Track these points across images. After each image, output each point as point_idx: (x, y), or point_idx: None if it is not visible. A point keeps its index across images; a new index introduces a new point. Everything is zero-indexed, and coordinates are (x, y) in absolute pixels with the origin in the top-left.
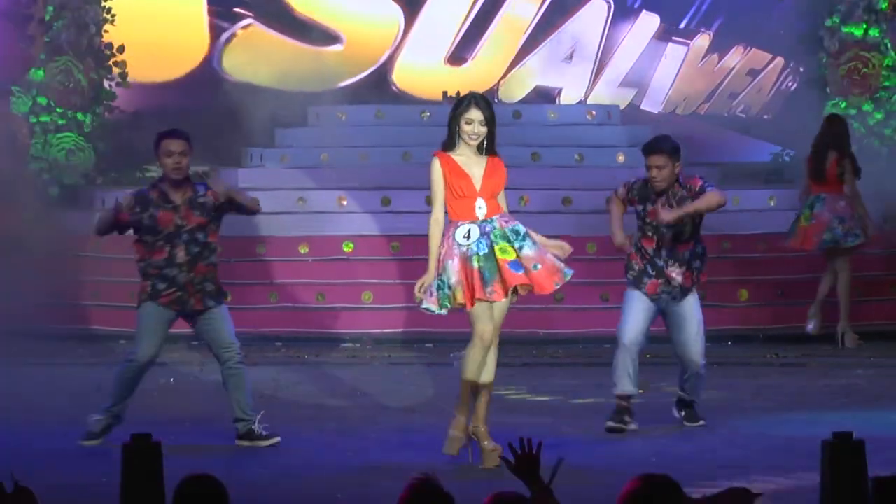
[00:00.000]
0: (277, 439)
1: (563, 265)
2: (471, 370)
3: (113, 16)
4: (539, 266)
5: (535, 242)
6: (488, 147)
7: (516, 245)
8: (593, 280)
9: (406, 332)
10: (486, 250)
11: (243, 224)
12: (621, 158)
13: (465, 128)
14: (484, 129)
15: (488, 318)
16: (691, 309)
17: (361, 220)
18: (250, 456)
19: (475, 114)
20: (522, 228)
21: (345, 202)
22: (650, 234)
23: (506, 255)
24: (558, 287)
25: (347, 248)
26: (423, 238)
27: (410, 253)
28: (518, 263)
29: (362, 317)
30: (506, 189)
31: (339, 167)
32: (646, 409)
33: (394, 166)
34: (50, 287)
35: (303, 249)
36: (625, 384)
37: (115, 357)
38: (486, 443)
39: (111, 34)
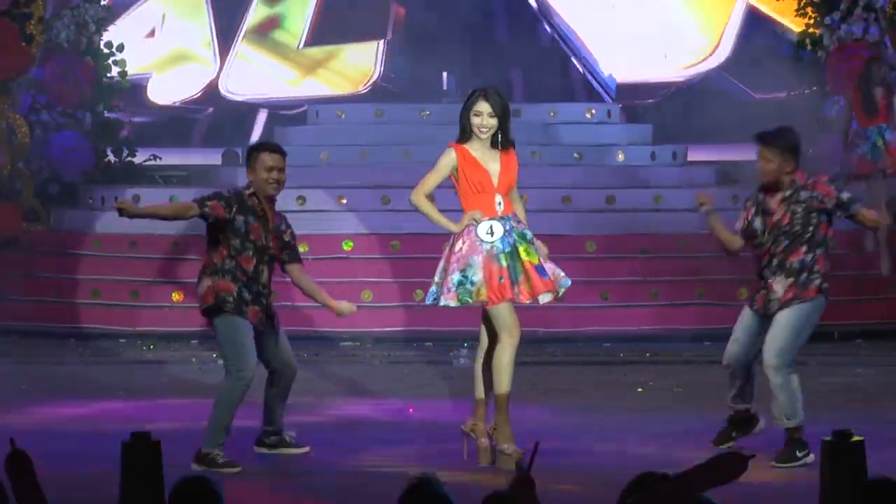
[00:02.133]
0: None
1: (562, 274)
2: (508, 377)
3: (114, 15)
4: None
5: (537, 248)
6: (502, 141)
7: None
8: (593, 279)
9: (406, 330)
10: (510, 248)
11: None
12: (621, 157)
13: (474, 120)
14: (493, 122)
15: (513, 313)
16: (784, 315)
17: (361, 218)
18: (249, 455)
19: (483, 106)
20: (529, 234)
21: (344, 201)
22: (768, 243)
23: (531, 258)
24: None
25: (347, 246)
26: (423, 237)
27: (410, 252)
28: (543, 268)
29: (362, 316)
30: None
31: (339, 166)
32: (646, 409)
33: (394, 165)
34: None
35: (302, 248)
36: (735, 401)
37: (114, 357)
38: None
39: None
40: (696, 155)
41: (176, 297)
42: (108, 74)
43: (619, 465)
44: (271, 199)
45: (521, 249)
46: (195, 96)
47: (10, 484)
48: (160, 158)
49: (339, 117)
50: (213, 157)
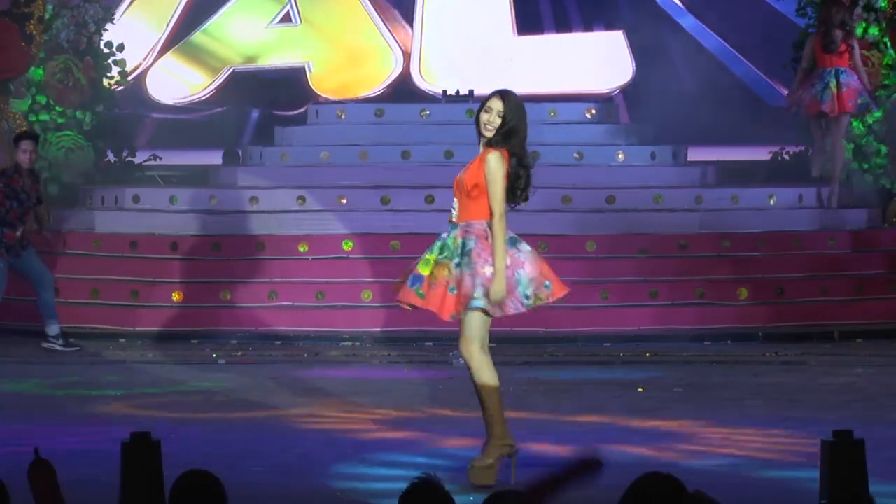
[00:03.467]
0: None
1: (479, 304)
2: (475, 374)
3: (112, 14)
4: (438, 289)
5: (472, 265)
6: (494, 138)
7: (447, 259)
8: (593, 278)
9: (405, 330)
10: (429, 254)
11: (243, 223)
12: (621, 157)
13: (483, 116)
14: (497, 120)
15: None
16: None
17: (361, 218)
18: (250, 455)
19: (495, 103)
20: (471, 243)
21: (344, 201)
22: None
23: (420, 268)
24: (452, 318)
25: (347, 246)
26: (423, 236)
27: (410, 251)
28: (419, 278)
29: (362, 315)
30: None
31: (339, 165)
32: (646, 408)
33: (393, 165)
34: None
35: (302, 248)
36: None
37: (114, 357)
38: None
39: None
40: (696, 155)
41: (176, 297)
42: (108, 75)
43: (620, 465)
44: None
45: (426, 257)
46: (379, 90)
47: (32, 491)
48: (160, 158)
49: (339, 117)
50: (213, 158)
